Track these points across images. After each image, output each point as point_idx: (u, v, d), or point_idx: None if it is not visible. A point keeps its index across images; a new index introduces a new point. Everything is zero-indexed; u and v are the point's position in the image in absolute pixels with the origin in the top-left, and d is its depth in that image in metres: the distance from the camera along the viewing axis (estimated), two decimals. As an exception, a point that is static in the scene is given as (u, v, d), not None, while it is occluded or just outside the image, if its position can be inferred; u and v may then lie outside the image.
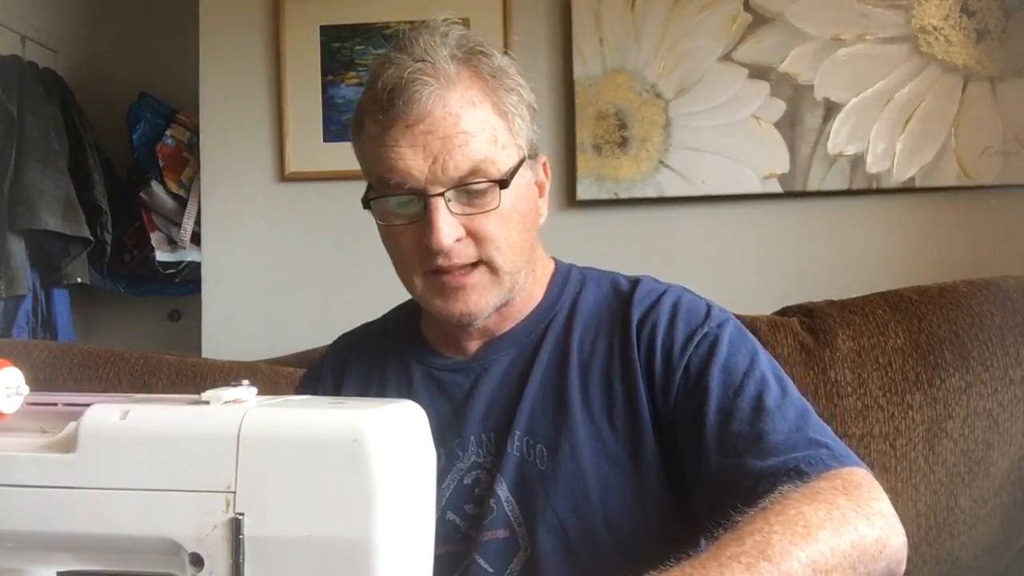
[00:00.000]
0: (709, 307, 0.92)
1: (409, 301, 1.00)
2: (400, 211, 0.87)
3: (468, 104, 0.84)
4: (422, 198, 0.84)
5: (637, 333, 0.90)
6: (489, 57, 0.88)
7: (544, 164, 0.96)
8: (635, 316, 0.91)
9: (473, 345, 0.96)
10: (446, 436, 0.92)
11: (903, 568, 0.72)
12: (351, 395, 1.00)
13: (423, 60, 0.84)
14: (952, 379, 1.26)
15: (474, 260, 0.87)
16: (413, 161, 0.83)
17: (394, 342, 1.01)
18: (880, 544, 0.69)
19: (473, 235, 0.86)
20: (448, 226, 0.84)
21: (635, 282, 0.96)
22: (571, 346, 0.92)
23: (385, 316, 1.07)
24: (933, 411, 1.26)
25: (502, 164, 0.86)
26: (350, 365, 1.02)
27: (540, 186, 0.95)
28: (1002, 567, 1.25)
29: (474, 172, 0.84)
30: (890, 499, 0.75)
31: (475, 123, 0.84)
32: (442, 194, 0.83)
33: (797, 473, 0.74)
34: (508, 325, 0.95)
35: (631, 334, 0.90)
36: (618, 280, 0.98)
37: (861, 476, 0.75)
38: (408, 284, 0.91)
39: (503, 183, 0.85)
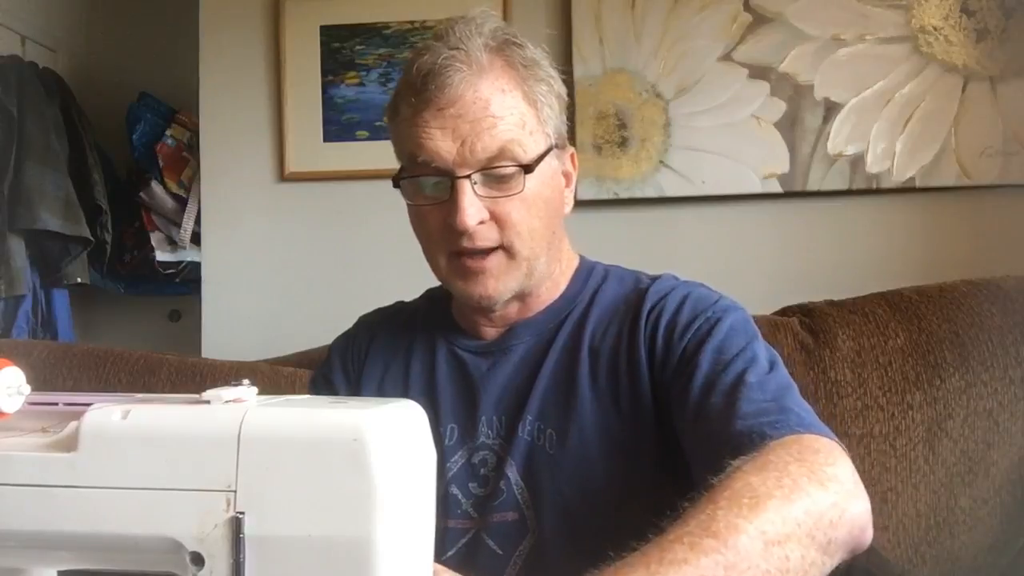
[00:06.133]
0: (720, 298, 0.94)
1: (441, 285, 1.03)
2: (428, 192, 0.90)
3: (498, 91, 0.87)
4: (449, 179, 0.87)
5: (645, 320, 0.92)
6: (522, 48, 0.91)
7: (572, 155, 0.98)
8: (647, 306, 0.93)
9: (495, 331, 0.99)
10: (461, 413, 0.95)
11: (869, 534, 0.70)
12: (378, 362, 1.03)
13: (457, 48, 0.87)
14: (952, 379, 1.26)
15: (496, 244, 0.89)
16: (442, 142, 0.86)
17: (424, 321, 1.05)
18: (838, 509, 0.67)
19: (496, 219, 0.88)
20: (473, 207, 0.86)
21: (655, 278, 0.99)
22: (584, 334, 0.94)
23: (418, 298, 1.11)
24: (933, 411, 1.26)
25: (529, 149, 0.88)
26: (379, 335, 1.06)
27: (567, 176, 0.98)
28: (1002, 567, 1.25)
29: (501, 153, 0.86)
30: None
31: (504, 108, 0.87)
32: (469, 176, 0.86)
33: (759, 436, 0.73)
34: (530, 314, 0.98)
35: (640, 322, 0.92)
36: (641, 277, 1.00)
37: (822, 443, 0.73)
38: (434, 265, 0.94)
39: (528, 168, 0.88)
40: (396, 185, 0.92)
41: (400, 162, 0.93)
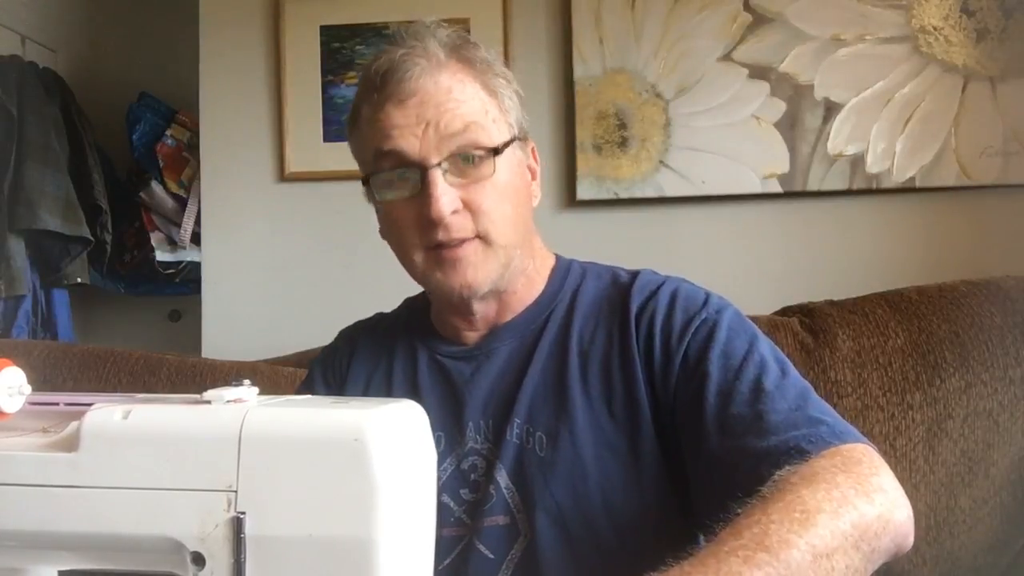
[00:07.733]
0: (708, 295, 0.93)
1: (420, 294, 1.03)
2: (398, 186, 0.89)
3: (457, 82, 0.88)
4: (418, 171, 0.87)
5: (636, 322, 0.91)
6: (476, 49, 0.92)
7: (532, 150, 0.98)
8: (634, 306, 0.92)
9: (476, 335, 0.98)
10: (447, 420, 0.94)
11: (911, 540, 0.72)
12: (361, 373, 1.02)
13: (414, 45, 0.88)
14: (952, 379, 1.26)
15: (472, 234, 0.88)
16: (408, 130, 0.86)
17: (404, 330, 1.04)
18: (882, 520, 0.69)
19: (470, 207, 0.88)
20: (446, 196, 0.86)
21: (634, 274, 0.98)
22: (571, 336, 0.93)
23: (398, 308, 1.10)
24: (933, 411, 1.26)
25: (493, 134, 0.89)
26: (359, 346, 1.05)
27: (532, 171, 0.98)
28: (1002, 567, 1.25)
29: (467, 131, 0.86)
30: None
31: (465, 94, 0.88)
32: (438, 164, 0.86)
33: (798, 452, 0.74)
34: (510, 315, 0.97)
35: (630, 324, 0.91)
36: (618, 273, 0.99)
37: (861, 452, 0.74)
38: (409, 264, 0.92)
39: (497, 151, 0.88)
40: (365, 184, 0.92)
41: (366, 169, 0.92)
